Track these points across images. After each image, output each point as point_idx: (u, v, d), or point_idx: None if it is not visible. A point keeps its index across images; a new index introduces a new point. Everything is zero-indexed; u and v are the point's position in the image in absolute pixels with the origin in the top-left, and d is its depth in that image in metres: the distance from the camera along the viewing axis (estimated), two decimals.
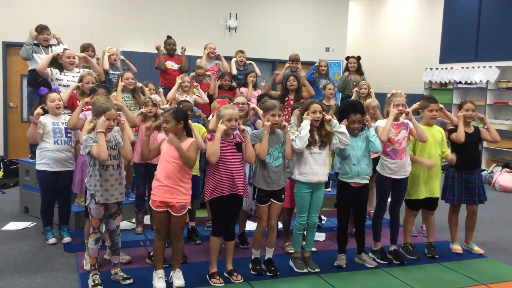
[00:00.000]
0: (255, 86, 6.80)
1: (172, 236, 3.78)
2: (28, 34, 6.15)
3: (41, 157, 4.55)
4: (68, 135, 4.61)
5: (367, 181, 4.25)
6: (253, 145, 3.91)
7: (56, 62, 5.65)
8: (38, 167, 4.59)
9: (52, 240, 4.64)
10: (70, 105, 5.21)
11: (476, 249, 4.83)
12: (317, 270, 4.17)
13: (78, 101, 5.13)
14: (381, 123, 4.43)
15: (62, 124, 4.59)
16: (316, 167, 4.08)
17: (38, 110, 4.49)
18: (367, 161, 4.24)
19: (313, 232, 4.28)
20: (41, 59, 5.95)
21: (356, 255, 4.45)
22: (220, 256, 4.22)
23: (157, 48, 7.01)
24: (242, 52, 7.45)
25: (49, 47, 6.18)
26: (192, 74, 6.45)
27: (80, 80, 5.21)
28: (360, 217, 4.37)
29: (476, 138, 4.75)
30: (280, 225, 4.79)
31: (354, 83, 7.50)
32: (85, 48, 6.28)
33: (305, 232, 4.32)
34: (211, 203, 3.85)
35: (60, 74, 5.62)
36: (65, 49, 5.73)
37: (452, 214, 4.89)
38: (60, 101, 4.61)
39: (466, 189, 4.71)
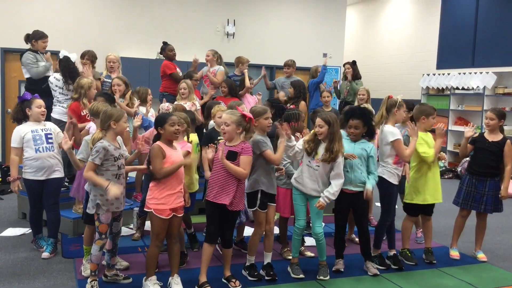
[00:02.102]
0: (251, 93, 6.86)
1: (169, 239, 3.78)
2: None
3: (26, 166, 4.42)
4: (50, 141, 4.44)
5: (361, 189, 4.16)
6: (263, 152, 3.90)
7: (68, 69, 5.59)
8: (24, 176, 4.46)
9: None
10: (76, 115, 5.04)
11: (480, 256, 4.83)
12: (327, 277, 4.14)
13: (82, 111, 5.08)
14: (390, 129, 4.34)
15: (42, 130, 4.43)
16: (306, 180, 4.06)
17: (16, 186, 4.42)
18: (362, 169, 4.16)
19: (322, 244, 4.13)
20: (41, 66, 5.98)
21: (364, 263, 4.43)
22: (219, 263, 4.23)
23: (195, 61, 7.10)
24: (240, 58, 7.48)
25: (43, 54, 6.15)
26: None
27: (81, 88, 5.10)
28: (361, 225, 4.32)
29: (496, 148, 4.61)
30: (277, 231, 4.76)
31: (347, 88, 7.59)
32: (83, 55, 6.23)
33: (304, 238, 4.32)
34: (206, 204, 3.89)
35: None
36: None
37: (459, 217, 4.88)
38: (45, 108, 4.52)
39: (473, 195, 4.70)
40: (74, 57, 5.70)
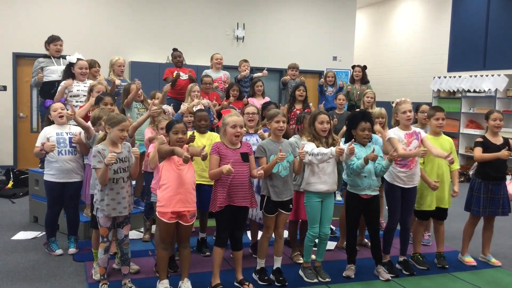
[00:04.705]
0: (263, 95, 6.83)
1: (179, 243, 3.79)
2: (38, 46, 6.18)
3: (48, 168, 4.56)
4: (73, 144, 4.56)
5: (377, 193, 4.23)
6: (258, 158, 3.94)
7: (69, 71, 5.65)
8: (44, 177, 4.61)
9: (58, 251, 4.64)
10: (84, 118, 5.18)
11: (494, 261, 4.77)
12: (327, 279, 4.15)
13: (89, 112, 5.11)
14: (392, 133, 4.38)
15: (67, 134, 4.57)
16: (324, 177, 4.09)
17: (50, 146, 4.38)
18: None
19: (325, 244, 4.26)
20: (52, 71, 6.02)
21: (375, 267, 4.41)
22: (230, 266, 4.22)
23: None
24: (246, 61, 7.50)
25: (61, 58, 6.16)
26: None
27: (91, 90, 5.16)
28: (373, 228, 4.31)
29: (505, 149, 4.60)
30: (285, 234, 4.74)
31: (358, 92, 7.56)
32: (92, 65, 6.16)
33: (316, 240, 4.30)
34: (215, 213, 3.84)
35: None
36: (78, 59, 5.65)
37: (470, 225, 4.80)
38: (62, 109, 4.60)
39: (491, 201, 4.65)
40: (72, 59, 5.64)
